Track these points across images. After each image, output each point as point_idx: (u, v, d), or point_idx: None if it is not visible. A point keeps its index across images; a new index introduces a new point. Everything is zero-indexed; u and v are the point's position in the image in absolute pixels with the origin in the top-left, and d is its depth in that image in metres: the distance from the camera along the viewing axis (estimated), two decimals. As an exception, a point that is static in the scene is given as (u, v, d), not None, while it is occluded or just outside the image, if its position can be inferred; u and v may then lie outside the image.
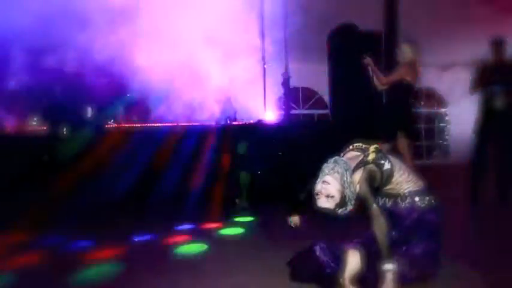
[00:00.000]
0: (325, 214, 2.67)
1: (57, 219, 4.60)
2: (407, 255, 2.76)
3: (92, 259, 3.62)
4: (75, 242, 4.12)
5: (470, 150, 5.27)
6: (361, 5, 7.17)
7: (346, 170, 2.64)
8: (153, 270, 3.33)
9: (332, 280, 2.73)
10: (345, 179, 2.62)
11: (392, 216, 2.87)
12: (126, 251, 3.85)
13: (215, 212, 5.21)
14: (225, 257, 3.64)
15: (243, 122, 7.07)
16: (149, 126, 6.44)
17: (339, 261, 2.75)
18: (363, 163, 2.72)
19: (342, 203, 2.63)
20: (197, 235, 4.33)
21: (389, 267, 2.57)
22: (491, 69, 5.12)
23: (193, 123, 6.46)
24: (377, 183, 2.73)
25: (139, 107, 7.07)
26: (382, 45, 6.77)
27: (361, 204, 2.70)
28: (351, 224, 2.91)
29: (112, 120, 6.86)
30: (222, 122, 6.84)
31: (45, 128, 5.64)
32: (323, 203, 2.63)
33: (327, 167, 2.68)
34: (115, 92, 6.99)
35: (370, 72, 5.34)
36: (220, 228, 4.56)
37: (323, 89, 9.33)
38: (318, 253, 2.84)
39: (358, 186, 2.68)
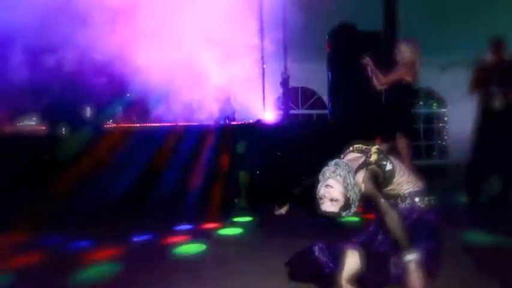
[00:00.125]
0: (328, 217, 2.66)
1: (57, 219, 4.60)
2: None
3: (91, 259, 3.62)
4: (75, 242, 4.13)
5: (470, 150, 5.28)
6: (360, 4, 7.17)
7: (348, 172, 2.62)
8: (151, 270, 3.33)
9: (331, 280, 2.73)
10: (349, 181, 2.59)
11: None
12: (124, 251, 3.86)
13: (214, 212, 5.21)
14: (223, 257, 3.64)
15: (242, 122, 7.07)
16: (148, 126, 6.44)
17: (337, 261, 2.74)
18: (365, 164, 2.71)
19: (346, 205, 2.60)
20: (196, 235, 4.33)
21: (410, 257, 2.54)
22: (490, 69, 5.12)
23: (192, 123, 6.45)
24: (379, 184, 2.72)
25: (139, 107, 7.06)
26: (382, 45, 6.77)
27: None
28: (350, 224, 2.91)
29: (111, 120, 6.86)
30: (221, 122, 6.84)
31: (44, 127, 5.64)
32: (328, 207, 2.60)
33: (328, 170, 2.65)
34: (114, 91, 7.00)
35: (370, 72, 5.34)
36: (219, 228, 4.57)
37: (322, 89, 9.32)
38: (316, 253, 2.84)
39: (362, 186, 2.65)
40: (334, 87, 7.46)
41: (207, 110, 6.83)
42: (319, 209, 2.63)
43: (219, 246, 3.99)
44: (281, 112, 8.33)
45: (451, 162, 9.87)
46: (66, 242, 4.12)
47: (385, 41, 6.71)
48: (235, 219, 4.99)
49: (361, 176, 2.69)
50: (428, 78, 10.24)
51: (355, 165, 2.73)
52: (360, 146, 2.94)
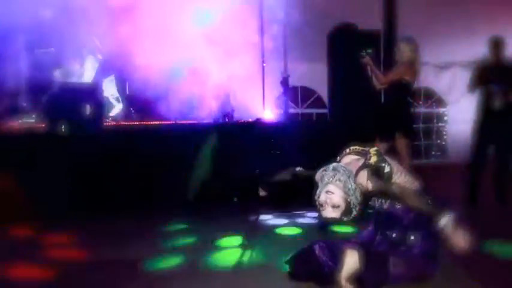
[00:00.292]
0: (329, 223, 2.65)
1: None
2: (405, 256, 2.77)
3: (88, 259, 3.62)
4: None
5: (469, 150, 5.28)
6: (360, 4, 7.17)
7: (348, 177, 2.60)
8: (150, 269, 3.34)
9: (330, 279, 2.73)
10: (349, 186, 2.58)
11: (390, 217, 2.88)
12: (123, 250, 3.85)
13: (213, 211, 5.21)
14: (222, 256, 3.64)
15: (242, 121, 7.06)
16: (148, 124, 6.43)
17: (337, 260, 2.75)
18: (365, 166, 2.70)
19: (348, 210, 2.59)
20: (195, 234, 4.33)
21: (444, 221, 2.54)
22: (490, 68, 5.12)
23: (192, 121, 6.45)
24: (369, 190, 2.71)
25: (139, 105, 7.06)
26: (381, 45, 6.77)
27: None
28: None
29: (110, 119, 6.86)
30: (220, 120, 6.84)
31: (43, 125, 5.63)
32: (329, 213, 2.59)
33: (326, 175, 2.63)
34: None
35: (369, 72, 5.35)
36: (218, 227, 4.56)
37: (322, 89, 9.31)
38: (317, 252, 2.85)
39: (369, 184, 2.64)
40: (334, 87, 7.46)
41: (206, 107, 6.81)
42: (320, 215, 2.62)
43: (217, 245, 3.99)
44: (281, 111, 8.33)
45: (450, 162, 9.88)
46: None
47: (384, 41, 6.71)
48: (234, 219, 4.98)
49: (363, 176, 2.66)
50: (428, 77, 10.25)
51: (353, 168, 2.72)
52: (357, 147, 2.93)
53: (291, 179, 3.30)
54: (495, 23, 6.34)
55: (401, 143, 5.09)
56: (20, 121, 5.94)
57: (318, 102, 10.46)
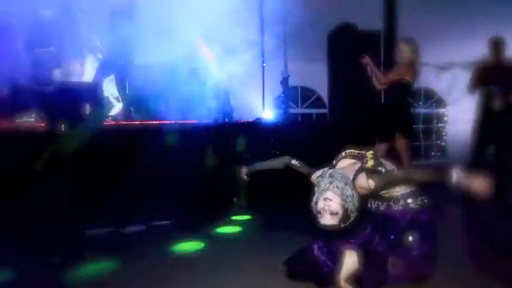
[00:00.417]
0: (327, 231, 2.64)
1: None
2: (403, 257, 2.77)
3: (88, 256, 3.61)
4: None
5: (469, 151, 5.28)
6: (360, 4, 7.17)
7: (346, 184, 2.58)
8: (148, 268, 3.33)
9: (329, 279, 2.74)
10: (347, 193, 2.56)
11: (386, 219, 2.88)
12: (123, 249, 3.85)
13: (212, 211, 5.21)
14: (222, 256, 3.64)
15: (241, 121, 7.06)
16: (148, 123, 6.42)
17: (336, 260, 2.75)
18: (362, 170, 2.69)
19: (345, 217, 2.58)
20: (194, 233, 4.33)
21: (456, 175, 2.50)
22: (490, 69, 5.13)
23: (191, 121, 6.44)
24: (369, 193, 2.71)
25: (138, 105, 7.05)
26: (381, 45, 6.77)
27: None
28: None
29: (110, 118, 6.84)
30: (220, 120, 6.83)
31: (43, 124, 5.62)
32: (327, 220, 2.57)
33: (323, 181, 2.61)
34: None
35: (369, 72, 5.35)
36: (217, 227, 4.56)
37: (322, 89, 9.31)
38: (315, 252, 2.85)
39: (371, 183, 2.64)
40: (334, 87, 7.46)
41: (205, 107, 6.81)
42: (318, 222, 2.60)
43: (217, 244, 3.99)
44: (281, 111, 8.33)
45: (450, 162, 9.88)
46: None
47: (384, 41, 6.71)
48: (234, 218, 4.98)
49: (363, 178, 2.66)
50: (428, 78, 10.24)
51: (350, 172, 2.70)
52: (353, 151, 2.92)
53: (284, 168, 3.28)
54: (495, 24, 6.34)
55: (401, 143, 5.09)
56: (19, 120, 5.92)
57: (317, 102, 10.46)
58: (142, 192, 5.30)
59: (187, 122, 6.28)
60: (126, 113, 6.76)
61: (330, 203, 2.55)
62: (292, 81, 8.40)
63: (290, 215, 4.85)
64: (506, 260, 3.33)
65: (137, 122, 6.39)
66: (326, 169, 2.80)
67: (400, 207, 2.83)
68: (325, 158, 2.97)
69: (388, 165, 2.80)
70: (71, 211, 4.54)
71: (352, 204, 2.58)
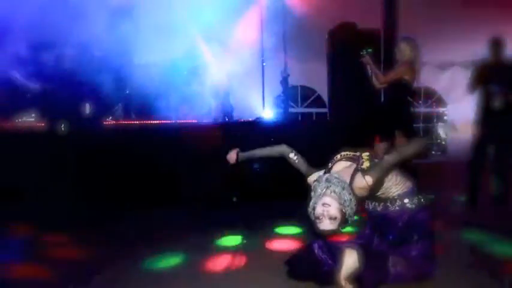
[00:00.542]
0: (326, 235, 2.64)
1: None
2: (403, 257, 2.78)
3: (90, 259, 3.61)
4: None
5: (469, 150, 5.27)
6: (360, 3, 7.17)
7: (343, 189, 2.57)
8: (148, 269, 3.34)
9: (330, 278, 2.74)
10: (345, 198, 2.56)
11: (384, 220, 2.88)
12: (123, 248, 3.85)
13: (213, 210, 5.21)
14: (222, 255, 3.64)
15: (241, 120, 7.06)
16: (148, 123, 6.43)
17: (336, 259, 2.75)
18: (357, 171, 2.69)
19: (344, 221, 2.58)
20: (194, 232, 4.33)
21: (442, 129, 2.79)
22: (490, 68, 5.11)
23: (192, 121, 6.45)
24: (367, 193, 2.71)
25: (139, 104, 7.05)
26: (381, 44, 6.77)
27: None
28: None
29: (110, 117, 6.85)
30: (220, 120, 6.84)
31: (43, 124, 5.63)
32: (326, 225, 2.55)
33: (319, 186, 2.60)
34: (114, 88, 6.99)
35: (369, 71, 5.35)
36: (217, 226, 4.55)
37: (322, 88, 9.32)
38: (316, 251, 2.85)
39: (369, 179, 2.63)
40: (333, 86, 7.46)
41: (205, 106, 6.81)
42: (317, 228, 2.59)
43: (217, 244, 3.99)
44: (281, 110, 8.33)
45: (450, 161, 9.88)
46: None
47: (384, 40, 6.71)
48: (234, 217, 4.97)
49: (359, 180, 2.65)
50: (428, 77, 10.25)
51: (346, 175, 2.69)
52: (348, 153, 2.91)
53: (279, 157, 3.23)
54: (495, 23, 6.34)
55: (401, 142, 5.09)
56: (19, 120, 5.94)
57: (317, 101, 10.47)
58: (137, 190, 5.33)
59: (187, 121, 6.29)
60: (127, 113, 6.77)
61: (329, 208, 2.54)
62: (292, 81, 8.41)
63: (290, 214, 4.86)
64: (507, 259, 3.33)
65: (136, 122, 6.40)
66: (322, 173, 2.80)
67: (397, 208, 2.83)
68: (326, 157, 2.97)
69: None
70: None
71: (350, 209, 2.57)
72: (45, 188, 4.85)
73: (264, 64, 7.96)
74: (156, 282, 3.07)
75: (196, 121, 6.44)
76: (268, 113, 8.09)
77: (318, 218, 2.56)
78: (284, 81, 7.84)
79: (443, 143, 11.10)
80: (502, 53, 5.12)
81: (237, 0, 7.11)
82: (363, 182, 2.62)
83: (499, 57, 5.11)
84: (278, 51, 7.92)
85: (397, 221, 2.82)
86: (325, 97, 9.53)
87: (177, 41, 6.58)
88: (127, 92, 7.15)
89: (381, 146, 5.21)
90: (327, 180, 2.61)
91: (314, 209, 2.57)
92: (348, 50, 6.44)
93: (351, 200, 2.57)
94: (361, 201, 2.73)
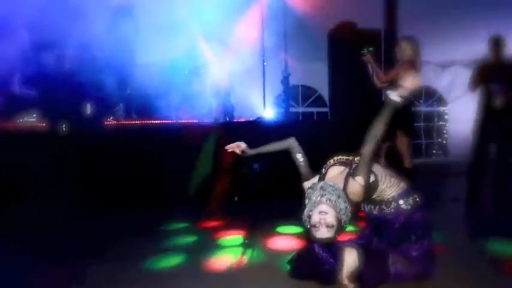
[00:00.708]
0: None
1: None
2: (403, 256, 2.78)
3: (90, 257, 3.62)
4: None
5: (470, 149, 5.27)
6: (361, 2, 7.16)
7: (338, 197, 2.57)
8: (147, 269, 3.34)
9: (331, 276, 2.74)
10: (340, 207, 2.56)
11: (381, 222, 2.88)
12: (124, 248, 3.86)
13: (213, 209, 5.21)
14: (222, 254, 3.64)
15: (242, 119, 7.06)
16: (149, 123, 6.43)
17: (337, 257, 2.76)
18: (350, 175, 2.68)
19: (340, 228, 2.58)
20: (195, 232, 4.34)
21: (390, 96, 2.77)
22: (490, 67, 5.11)
23: (192, 120, 6.45)
24: (363, 197, 2.71)
25: (140, 104, 7.05)
26: (382, 43, 6.77)
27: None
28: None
29: (111, 117, 6.85)
30: (221, 119, 6.84)
31: (44, 124, 5.63)
32: (323, 234, 2.55)
33: (314, 194, 2.59)
34: (115, 88, 6.98)
35: (370, 70, 5.35)
36: (218, 225, 4.56)
37: (323, 87, 9.31)
38: (317, 250, 2.86)
39: (361, 181, 2.62)
40: (334, 86, 7.46)
41: (206, 105, 6.81)
42: (313, 236, 2.58)
43: (217, 243, 3.99)
44: (281, 110, 8.33)
45: (451, 161, 9.88)
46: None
47: (385, 39, 6.71)
48: (235, 216, 4.98)
49: (352, 184, 2.64)
50: (429, 76, 10.24)
51: (339, 181, 2.69)
52: (341, 157, 2.91)
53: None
54: (496, 22, 6.33)
55: (402, 141, 5.10)
56: (20, 120, 5.93)
57: (318, 101, 10.46)
58: (138, 188, 5.34)
59: (187, 120, 6.29)
60: (127, 112, 6.76)
61: (326, 216, 2.53)
62: (293, 80, 8.40)
63: (290, 214, 4.86)
64: (507, 258, 3.33)
65: (137, 122, 6.40)
66: (316, 181, 2.81)
67: (392, 210, 2.82)
68: (326, 157, 2.97)
69: (376, 170, 2.79)
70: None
71: (346, 216, 2.57)
72: (46, 188, 4.84)
73: (265, 63, 7.96)
74: (157, 282, 3.07)
75: (197, 121, 6.43)
76: (269, 112, 8.08)
77: (314, 226, 2.55)
78: (285, 80, 7.84)
79: (444, 142, 11.11)
80: (502, 52, 5.12)
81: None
82: (356, 185, 2.61)
83: (500, 56, 5.11)
84: (279, 51, 7.91)
85: (394, 223, 2.82)
86: (326, 96, 9.53)
87: (177, 40, 6.58)
88: (128, 92, 7.15)
89: (382, 146, 5.21)
90: (322, 188, 2.61)
91: (309, 217, 2.56)
92: (349, 49, 6.45)
93: (346, 208, 2.57)
94: (357, 205, 2.74)
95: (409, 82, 2.62)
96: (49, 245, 3.98)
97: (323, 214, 2.53)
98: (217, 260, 3.50)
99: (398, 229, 2.81)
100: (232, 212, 5.16)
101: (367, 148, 2.62)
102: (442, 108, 11.31)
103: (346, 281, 2.70)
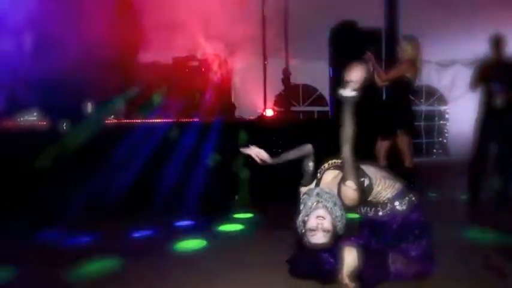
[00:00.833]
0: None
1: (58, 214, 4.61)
2: (402, 255, 2.78)
3: (91, 254, 3.62)
4: (75, 237, 4.14)
5: (470, 148, 5.27)
6: (362, 2, 7.15)
7: (334, 205, 2.59)
8: (151, 267, 3.34)
9: (331, 276, 2.75)
10: (336, 214, 2.58)
11: (377, 224, 2.88)
12: (124, 247, 3.86)
13: (214, 209, 5.21)
14: (223, 254, 3.65)
15: (244, 118, 7.06)
16: (149, 122, 6.43)
17: (337, 257, 2.76)
18: (341, 182, 2.69)
19: (335, 234, 2.60)
20: (196, 231, 4.34)
21: (341, 93, 2.65)
22: (491, 66, 5.11)
23: (193, 119, 6.44)
24: (359, 201, 2.71)
25: (140, 102, 7.04)
26: (383, 42, 6.76)
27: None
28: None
29: (112, 116, 6.84)
30: (221, 119, 6.83)
31: (45, 122, 5.64)
32: (320, 239, 2.57)
33: (310, 200, 2.61)
34: (115, 86, 6.98)
35: (371, 69, 5.34)
36: (219, 225, 4.57)
37: (324, 86, 9.32)
38: (317, 249, 2.85)
39: (350, 183, 2.62)
40: (335, 85, 7.44)
41: (207, 104, 6.80)
42: (308, 242, 2.59)
43: (218, 242, 4.00)
44: (282, 109, 8.33)
45: (451, 160, 9.88)
46: (65, 236, 4.13)
47: (386, 38, 6.70)
48: (236, 216, 4.98)
49: (344, 189, 2.64)
50: (429, 75, 10.25)
51: (334, 186, 2.71)
52: (336, 161, 2.91)
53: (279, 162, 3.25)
54: (496, 21, 6.32)
55: (402, 140, 5.10)
56: (21, 119, 5.94)
57: (319, 100, 10.47)
58: (144, 190, 5.34)
59: (188, 120, 6.28)
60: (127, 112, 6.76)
61: (323, 221, 2.55)
62: (294, 79, 8.40)
63: (291, 213, 4.86)
64: (508, 257, 3.33)
65: (138, 120, 6.40)
66: (312, 187, 2.83)
67: (388, 212, 2.82)
68: (326, 157, 2.97)
69: (370, 172, 2.79)
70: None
71: (341, 223, 2.60)
72: (47, 188, 4.85)
73: (266, 62, 7.95)
74: (156, 279, 3.08)
75: (197, 120, 6.43)
76: (269, 111, 8.08)
77: (311, 230, 2.57)
78: (286, 79, 7.83)
79: (444, 141, 11.11)
80: (503, 51, 5.12)
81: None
82: (349, 190, 2.63)
83: (501, 55, 5.11)
84: (280, 50, 7.91)
85: (391, 224, 2.82)
86: (327, 95, 9.54)
87: (178, 39, 6.58)
88: (128, 91, 7.14)
89: (382, 145, 5.21)
90: (318, 194, 2.63)
91: (305, 222, 2.58)
92: (350, 48, 6.44)
93: (342, 215, 2.60)
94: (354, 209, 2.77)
95: (354, 75, 2.59)
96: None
97: (320, 219, 2.55)
98: (217, 258, 3.50)
99: (396, 230, 2.81)
100: (233, 212, 5.16)
101: (345, 151, 2.61)
102: (442, 108, 11.32)
103: (346, 281, 2.70)
